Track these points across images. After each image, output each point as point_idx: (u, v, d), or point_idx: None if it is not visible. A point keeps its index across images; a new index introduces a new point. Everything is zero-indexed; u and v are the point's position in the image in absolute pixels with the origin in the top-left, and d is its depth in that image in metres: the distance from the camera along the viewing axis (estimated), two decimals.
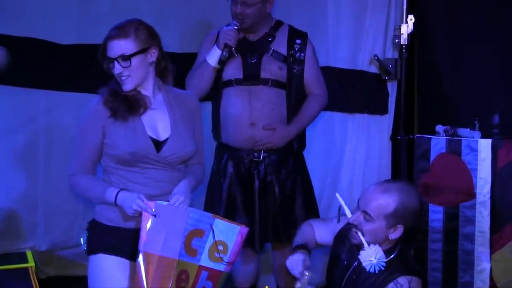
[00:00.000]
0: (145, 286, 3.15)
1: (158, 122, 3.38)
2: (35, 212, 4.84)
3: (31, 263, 4.55)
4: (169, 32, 4.38)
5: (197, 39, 4.68)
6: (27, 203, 4.82)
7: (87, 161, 3.37)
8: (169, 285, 3.16)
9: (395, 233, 3.21)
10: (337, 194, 3.50)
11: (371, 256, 3.18)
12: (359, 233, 3.22)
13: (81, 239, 4.56)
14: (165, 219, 3.19)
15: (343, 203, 3.38)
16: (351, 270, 3.31)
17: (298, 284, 3.27)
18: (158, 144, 3.33)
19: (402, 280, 3.15)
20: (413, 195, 3.29)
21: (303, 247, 3.43)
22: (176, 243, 3.20)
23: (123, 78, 3.28)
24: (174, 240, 3.20)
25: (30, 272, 4.47)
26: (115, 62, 3.25)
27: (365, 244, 3.20)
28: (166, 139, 3.35)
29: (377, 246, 3.20)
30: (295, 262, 3.29)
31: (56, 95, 4.76)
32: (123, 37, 3.25)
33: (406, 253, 3.32)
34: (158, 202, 3.22)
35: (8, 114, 4.72)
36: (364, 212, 3.22)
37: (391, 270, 3.19)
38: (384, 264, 3.18)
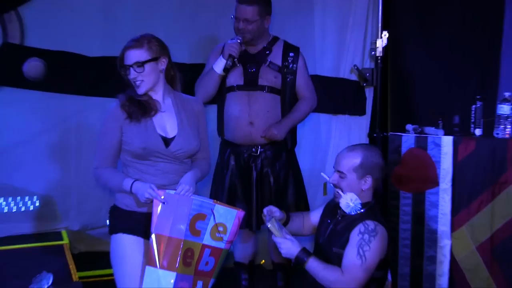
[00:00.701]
0: (157, 262, 3.26)
1: (166, 122, 3.48)
2: (68, 198, 4.96)
3: (65, 241, 4.74)
4: (180, 45, 4.56)
5: (204, 51, 4.81)
6: (61, 191, 4.93)
7: (108, 156, 3.46)
8: (177, 261, 3.26)
9: (366, 184, 3.36)
10: (322, 173, 3.66)
11: (348, 200, 3.34)
12: (339, 190, 3.39)
13: (107, 221, 4.65)
14: (172, 206, 3.29)
15: (327, 177, 3.53)
16: (332, 224, 3.43)
17: (268, 224, 3.43)
18: (167, 141, 3.42)
19: (369, 222, 3.27)
20: (375, 152, 3.46)
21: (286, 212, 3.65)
22: (182, 226, 3.29)
23: (137, 82, 3.39)
24: (181, 223, 3.29)
25: (65, 248, 4.63)
26: (131, 69, 3.36)
27: (342, 194, 3.36)
28: (174, 137, 3.44)
29: (352, 193, 3.35)
30: (266, 209, 3.54)
31: (84, 99, 4.87)
32: (138, 47, 3.38)
33: (376, 210, 3.41)
34: (166, 191, 3.32)
35: (45, 115, 4.82)
36: (338, 171, 3.39)
37: (361, 217, 3.32)
38: (360, 206, 3.34)
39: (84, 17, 4.78)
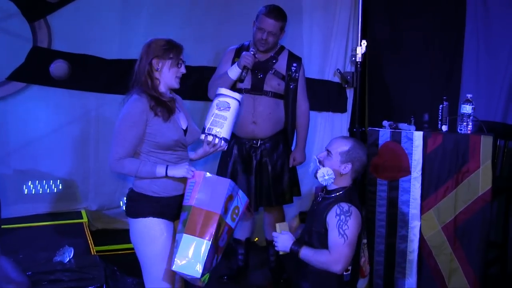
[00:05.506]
0: (196, 231, 3.06)
1: (180, 117, 3.31)
2: (87, 182, 4.98)
3: (85, 219, 4.79)
4: (186, 49, 4.41)
5: (207, 55, 4.87)
6: (81, 175, 4.97)
7: (132, 147, 3.13)
8: (211, 232, 3.07)
9: (345, 169, 3.27)
10: (314, 156, 3.48)
11: (324, 172, 3.27)
12: (320, 165, 3.32)
13: (120, 202, 4.55)
14: (211, 185, 3.13)
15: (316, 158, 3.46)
16: (314, 207, 3.38)
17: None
18: (184, 132, 3.28)
19: (344, 204, 3.19)
20: (363, 148, 3.37)
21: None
22: (219, 203, 3.11)
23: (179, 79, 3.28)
24: (218, 200, 3.12)
25: (84, 226, 4.69)
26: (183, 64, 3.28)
27: (320, 167, 3.30)
28: (186, 129, 3.28)
29: (328, 168, 3.28)
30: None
31: (102, 96, 4.86)
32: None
33: (353, 194, 3.31)
34: (205, 174, 3.15)
35: (69, 110, 4.85)
36: (327, 150, 3.33)
37: (336, 200, 3.24)
38: (332, 181, 3.27)
39: (103, 25, 4.81)
